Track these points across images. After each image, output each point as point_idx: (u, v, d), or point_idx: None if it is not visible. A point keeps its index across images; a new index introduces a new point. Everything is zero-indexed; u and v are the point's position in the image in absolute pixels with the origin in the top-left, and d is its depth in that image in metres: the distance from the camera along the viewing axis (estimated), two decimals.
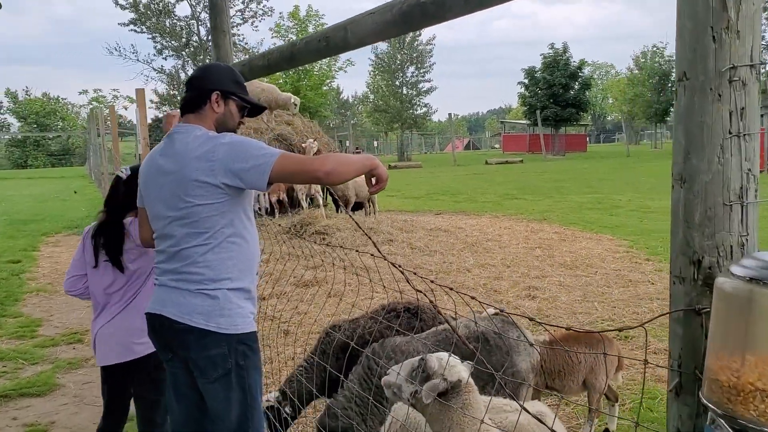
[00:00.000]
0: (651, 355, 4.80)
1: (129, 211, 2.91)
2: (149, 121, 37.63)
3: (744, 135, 1.15)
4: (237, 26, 34.73)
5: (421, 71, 46.71)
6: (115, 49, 34.29)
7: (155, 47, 34.82)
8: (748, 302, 1.01)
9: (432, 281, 2.19)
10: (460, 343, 2.47)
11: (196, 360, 2.27)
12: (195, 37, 34.72)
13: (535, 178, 22.71)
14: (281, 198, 12.40)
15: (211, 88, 2.34)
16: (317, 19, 34.33)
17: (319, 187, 11.57)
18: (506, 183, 21.19)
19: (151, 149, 2.54)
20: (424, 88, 47.11)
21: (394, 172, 29.00)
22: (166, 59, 36.68)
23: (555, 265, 8.12)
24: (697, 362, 1.17)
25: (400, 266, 2.14)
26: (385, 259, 2.16)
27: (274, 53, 3.01)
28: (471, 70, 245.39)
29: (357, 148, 35.52)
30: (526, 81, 44.77)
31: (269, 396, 3.24)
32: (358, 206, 12.28)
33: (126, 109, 53.57)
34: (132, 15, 33.70)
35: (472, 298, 1.71)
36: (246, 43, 34.97)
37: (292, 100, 12.63)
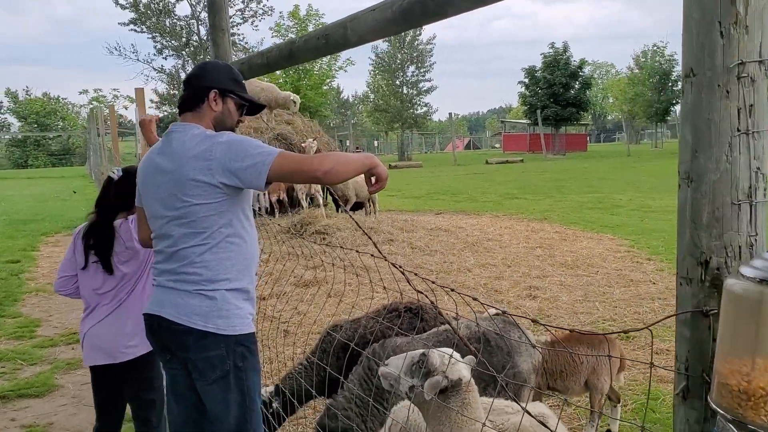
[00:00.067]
0: (654, 355, 4.77)
1: (120, 213, 2.90)
2: None
3: (753, 132, 1.12)
4: (237, 26, 34.73)
5: (422, 71, 46.69)
6: (115, 49, 34.32)
7: (155, 47, 34.85)
8: (759, 304, 0.98)
9: (433, 282, 2.17)
10: (461, 344, 2.44)
11: (195, 361, 2.25)
12: (195, 37, 34.70)
13: (535, 178, 22.68)
14: (281, 197, 12.39)
15: (209, 86, 2.32)
16: (317, 18, 34.26)
17: (319, 187, 11.54)
18: (507, 182, 21.17)
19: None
20: (425, 88, 47.12)
21: (395, 171, 28.99)
22: (166, 59, 36.72)
23: (556, 265, 8.10)
24: (705, 365, 1.15)
25: (400, 266, 2.12)
26: (386, 260, 2.14)
27: (273, 51, 2.98)
28: (471, 70, 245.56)
29: (357, 148, 35.50)
30: (527, 80, 44.72)
31: (262, 391, 3.23)
32: (358, 206, 12.26)
33: (126, 108, 53.66)
34: (132, 14, 33.73)
35: (474, 299, 1.69)
36: (246, 43, 34.97)
37: (292, 98, 12.60)
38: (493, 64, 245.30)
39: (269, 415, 3.14)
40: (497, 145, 63.99)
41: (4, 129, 56.66)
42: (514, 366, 3.04)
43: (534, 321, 1.57)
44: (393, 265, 2.10)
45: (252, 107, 2.48)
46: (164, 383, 2.58)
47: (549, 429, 1.69)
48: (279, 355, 4.38)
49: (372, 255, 2.43)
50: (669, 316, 1.22)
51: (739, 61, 1.10)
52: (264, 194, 11.50)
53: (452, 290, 1.80)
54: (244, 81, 2.50)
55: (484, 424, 1.79)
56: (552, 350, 3.39)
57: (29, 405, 4.41)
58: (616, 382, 3.76)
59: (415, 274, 2.15)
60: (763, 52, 1.11)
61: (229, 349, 2.23)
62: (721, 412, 1.03)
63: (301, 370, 3.40)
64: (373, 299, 5.26)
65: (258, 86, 12.03)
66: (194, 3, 33.87)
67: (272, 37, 34.64)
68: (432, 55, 46.77)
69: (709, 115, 1.12)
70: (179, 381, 2.37)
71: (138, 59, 35.00)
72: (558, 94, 42.83)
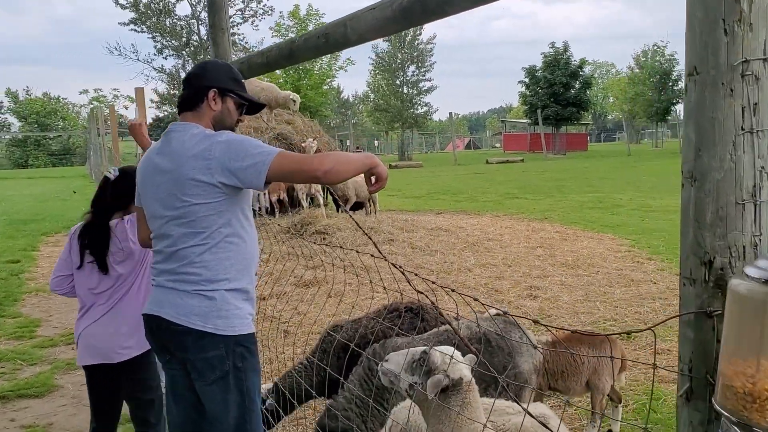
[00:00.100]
0: (655, 355, 4.76)
1: (116, 213, 2.89)
2: (149, 120, 37.64)
3: (757, 131, 1.10)
4: (237, 25, 34.72)
5: (422, 70, 46.66)
6: (116, 49, 34.32)
7: (155, 47, 34.85)
8: (764, 305, 0.97)
9: (433, 282, 2.15)
10: (461, 344, 2.43)
11: (194, 362, 2.24)
12: (195, 37, 34.70)
13: (536, 178, 22.67)
14: (281, 197, 12.38)
15: (208, 85, 2.31)
16: (317, 18, 34.23)
17: (319, 187, 11.53)
18: (507, 182, 21.15)
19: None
20: (425, 88, 47.08)
21: (395, 171, 28.97)
22: (166, 59, 36.75)
23: (556, 265, 8.08)
24: (709, 367, 1.13)
25: (400, 266, 2.10)
26: (386, 260, 2.12)
27: (273, 50, 2.97)
28: (471, 70, 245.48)
29: (357, 147, 35.49)
30: (527, 80, 44.68)
31: (261, 388, 3.22)
32: (359, 206, 12.25)
33: (126, 108, 53.67)
34: (132, 14, 33.73)
35: (475, 300, 1.67)
36: (246, 43, 34.97)
37: (291, 97, 12.60)
38: (493, 63, 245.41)
39: (264, 410, 3.13)
40: (497, 145, 63.97)
41: (5, 129, 56.67)
42: (515, 366, 3.03)
43: (535, 322, 1.56)
44: (393, 265, 2.09)
45: (251, 106, 2.47)
46: (163, 383, 2.58)
47: (550, 430, 1.68)
48: (279, 355, 4.37)
49: (372, 255, 2.42)
50: (672, 317, 1.21)
51: (743, 59, 1.08)
52: (264, 194, 11.49)
53: (453, 291, 1.78)
54: (244, 80, 2.49)
55: (485, 426, 1.78)
56: (553, 350, 3.38)
57: (29, 405, 4.40)
58: (618, 383, 3.75)
59: (416, 275, 2.14)
60: None
61: (229, 350, 2.22)
62: (726, 414, 1.02)
63: (300, 369, 3.39)
64: (373, 299, 5.25)
65: (258, 86, 12.03)
66: (194, 3, 33.87)
67: (272, 36, 34.64)
68: (432, 55, 46.78)
69: (713, 114, 1.11)
70: (178, 381, 2.36)
71: (138, 59, 35.04)
72: (558, 94, 42.79)
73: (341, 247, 3.41)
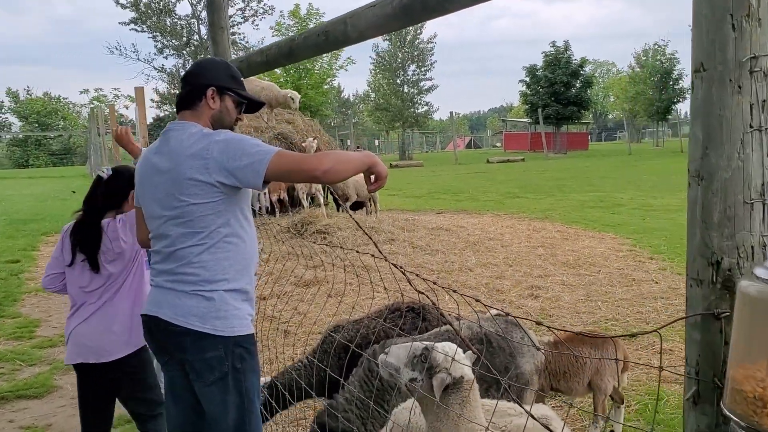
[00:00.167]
0: (657, 355, 4.73)
1: (108, 212, 2.88)
2: (149, 120, 37.63)
3: (766, 129, 1.08)
4: (237, 25, 34.70)
5: (422, 69, 46.60)
6: (116, 49, 34.33)
7: (156, 46, 34.85)
8: None
9: (434, 282, 2.13)
10: (463, 345, 2.41)
11: (193, 363, 2.22)
12: (195, 36, 34.67)
13: (536, 177, 22.64)
14: (281, 197, 12.36)
15: (206, 83, 2.28)
16: (318, 17, 34.20)
17: (320, 186, 11.51)
18: (508, 181, 21.12)
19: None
20: (426, 87, 47.02)
21: (396, 171, 28.95)
22: (166, 58, 36.71)
23: (557, 264, 8.06)
24: (716, 370, 1.11)
25: (401, 267, 2.08)
26: (386, 260, 2.10)
27: (273, 49, 2.94)
28: (472, 69, 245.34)
29: (358, 147, 35.48)
30: (528, 79, 44.64)
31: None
32: (359, 205, 12.23)
33: (127, 108, 53.55)
34: (132, 14, 33.71)
35: (477, 300, 1.65)
36: (246, 42, 34.95)
37: (290, 95, 12.59)
38: (493, 62, 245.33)
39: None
40: (498, 144, 63.92)
41: (5, 129, 56.69)
42: (517, 367, 3.01)
43: (538, 323, 1.53)
44: (394, 265, 2.07)
45: (251, 105, 2.45)
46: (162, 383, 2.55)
47: None
48: (279, 355, 4.35)
49: (372, 255, 2.40)
50: (679, 319, 1.18)
51: (752, 55, 1.06)
52: (264, 193, 11.47)
53: (454, 291, 1.76)
54: (243, 79, 2.47)
55: (487, 429, 1.76)
56: (555, 351, 3.35)
57: (28, 406, 4.39)
58: (620, 383, 3.73)
59: (416, 275, 2.11)
60: None
61: (228, 351, 2.20)
62: (735, 419, 1.00)
63: (299, 368, 3.37)
64: (373, 299, 5.23)
65: (258, 85, 12.01)
66: (195, 2, 33.85)
67: (273, 36, 34.67)
68: (433, 54, 46.69)
69: (721, 111, 1.08)
70: (177, 382, 2.34)
71: (138, 59, 35.04)
72: (559, 93, 42.75)
73: (341, 247, 3.39)
